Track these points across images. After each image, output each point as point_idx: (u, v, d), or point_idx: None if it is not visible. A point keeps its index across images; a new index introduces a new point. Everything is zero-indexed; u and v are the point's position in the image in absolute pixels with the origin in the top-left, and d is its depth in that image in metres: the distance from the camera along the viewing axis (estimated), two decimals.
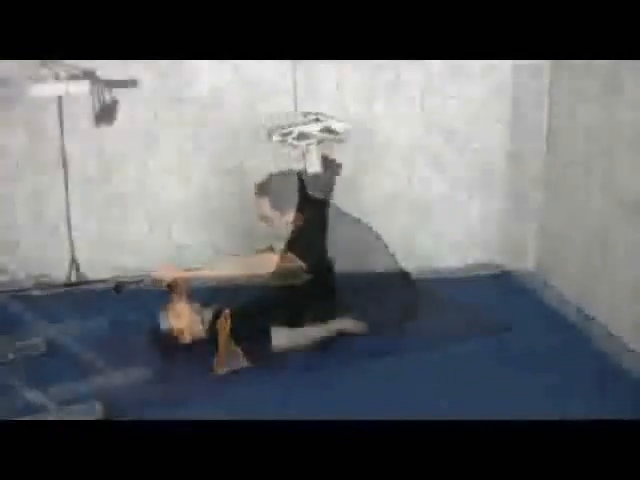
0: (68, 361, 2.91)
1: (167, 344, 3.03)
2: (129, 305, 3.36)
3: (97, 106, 2.78)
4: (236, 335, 2.98)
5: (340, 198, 3.45)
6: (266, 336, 3.05)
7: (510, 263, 4.01)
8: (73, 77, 2.83)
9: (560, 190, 3.61)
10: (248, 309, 3.13)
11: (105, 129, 3.45)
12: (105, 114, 2.78)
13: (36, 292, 3.23)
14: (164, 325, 3.02)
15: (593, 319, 3.23)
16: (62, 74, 2.80)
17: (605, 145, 3.10)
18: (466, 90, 3.84)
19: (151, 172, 3.84)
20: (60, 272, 3.71)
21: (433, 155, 3.92)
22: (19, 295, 3.30)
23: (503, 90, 3.83)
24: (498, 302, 3.64)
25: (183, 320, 3.04)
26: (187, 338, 3.05)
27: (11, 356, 2.95)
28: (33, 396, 2.57)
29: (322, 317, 3.21)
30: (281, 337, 3.08)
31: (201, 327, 3.09)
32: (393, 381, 2.89)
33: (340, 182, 3.40)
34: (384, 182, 3.94)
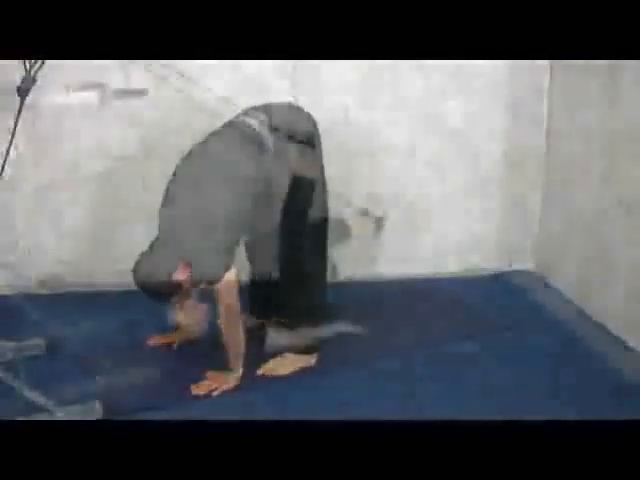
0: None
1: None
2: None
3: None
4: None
5: (339, 200, 3.48)
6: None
7: (509, 264, 4.03)
8: (83, 87, 2.88)
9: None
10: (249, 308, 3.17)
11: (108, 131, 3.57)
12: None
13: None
14: (173, 321, 3.07)
15: (592, 319, 3.29)
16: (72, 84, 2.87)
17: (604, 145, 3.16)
18: (466, 91, 3.84)
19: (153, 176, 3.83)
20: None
21: (432, 156, 3.93)
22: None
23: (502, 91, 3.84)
24: (498, 302, 3.64)
25: (190, 317, 3.06)
26: (194, 334, 3.10)
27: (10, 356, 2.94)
28: (33, 396, 2.57)
29: (319, 318, 3.22)
30: (278, 337, 3.09)
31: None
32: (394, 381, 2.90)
33: (340, 183, 3.45)
34: (382, 184, 3.94)
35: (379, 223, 3.61)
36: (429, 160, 3.91)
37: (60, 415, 2.46)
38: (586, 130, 3.36)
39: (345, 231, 3.42)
